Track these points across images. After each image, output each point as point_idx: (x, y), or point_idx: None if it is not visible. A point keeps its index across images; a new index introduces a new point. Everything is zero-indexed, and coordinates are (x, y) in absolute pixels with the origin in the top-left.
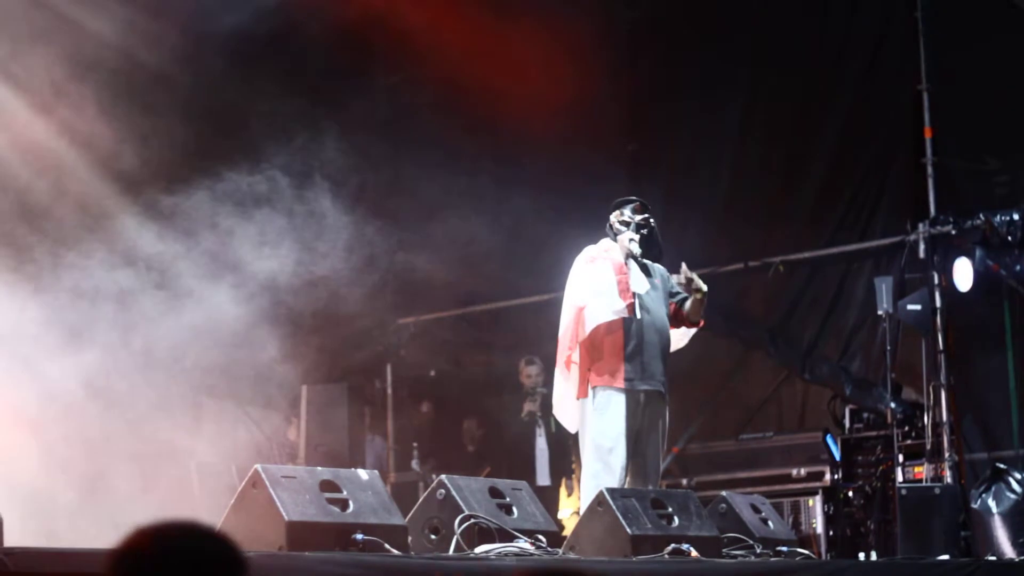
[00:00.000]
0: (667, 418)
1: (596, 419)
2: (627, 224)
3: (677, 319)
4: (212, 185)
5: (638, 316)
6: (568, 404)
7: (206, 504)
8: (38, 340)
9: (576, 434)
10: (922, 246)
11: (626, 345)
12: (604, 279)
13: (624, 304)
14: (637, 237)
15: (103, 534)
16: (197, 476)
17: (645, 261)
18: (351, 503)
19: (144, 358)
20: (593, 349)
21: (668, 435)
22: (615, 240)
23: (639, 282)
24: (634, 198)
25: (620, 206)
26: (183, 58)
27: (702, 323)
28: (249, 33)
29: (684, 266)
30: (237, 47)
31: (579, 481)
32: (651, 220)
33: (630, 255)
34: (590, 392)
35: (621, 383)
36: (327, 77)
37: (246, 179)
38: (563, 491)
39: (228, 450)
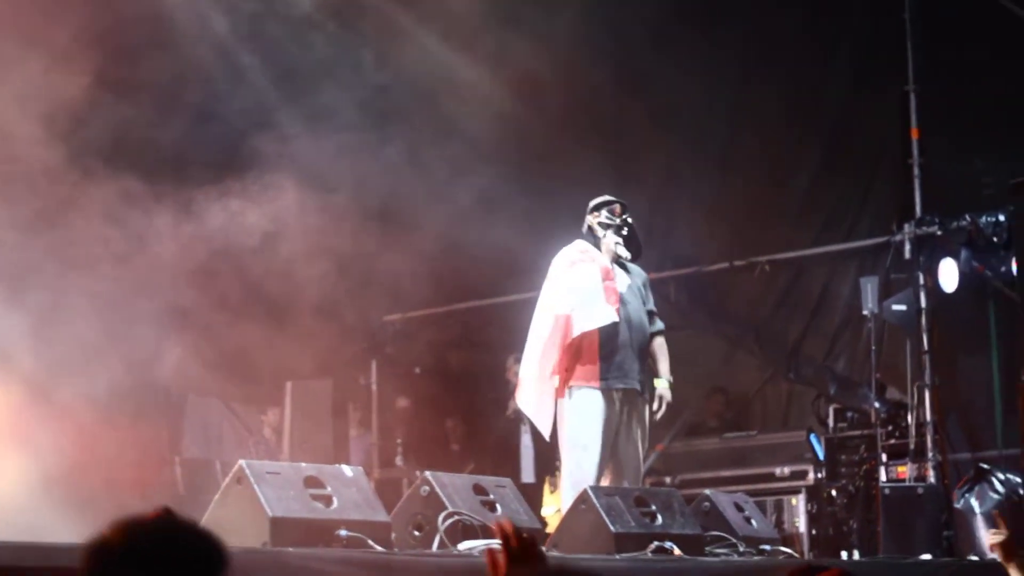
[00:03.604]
0: (647, 416)
1: (572, 418)
2: (608, 226)
3: None
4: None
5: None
6: (546, 408)
7: (190, 500)
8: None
9: (555, 433)
10: (908, 246)
11: (603, 345)
12: (590, 285)
13: (612, 310)
14: (621, 240)
15: (85, 530)
16: (181, 472)
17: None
18: (335, 499)
19: (127, 350)
20: (570, 349)
21: (652, 433)
22: (594, 241)
23: (622, 283)
24: (612, 198)
25: (598, 208)
26: None
27: None
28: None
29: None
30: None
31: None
32: (629, 219)
33: (616, 258)
34: (566, 392)
35: (597, 382)
36: (304, 76)
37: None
38: (547, 488)
39: (212, 446)
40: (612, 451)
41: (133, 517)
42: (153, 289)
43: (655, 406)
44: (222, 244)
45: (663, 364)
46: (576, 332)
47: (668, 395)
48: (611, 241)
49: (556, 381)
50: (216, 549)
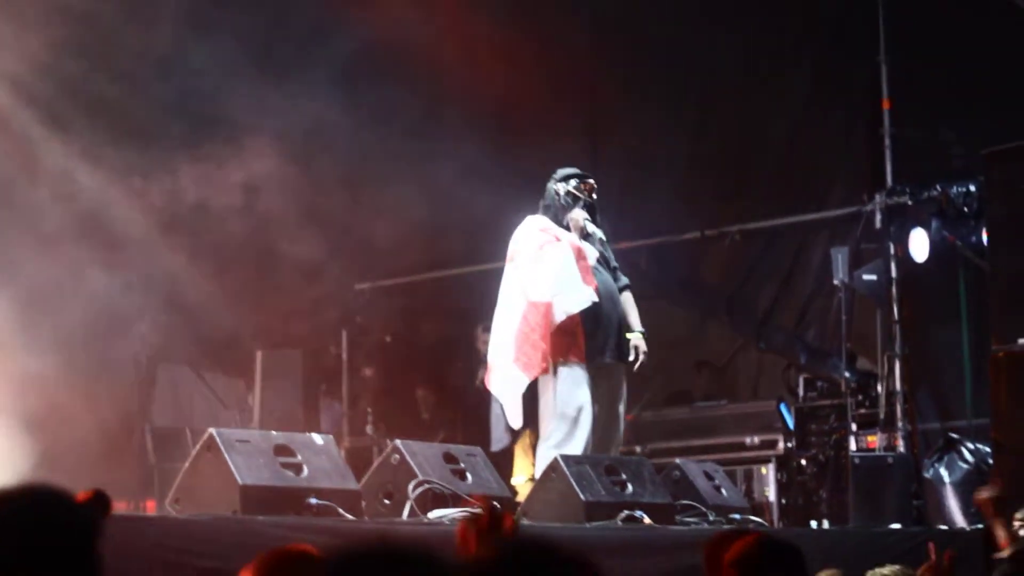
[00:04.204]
0: (624, 386)
1: (561, 391)
2: (577, 198)
3: None
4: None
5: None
6: (516, 397)
7: (160, 468)
8: None
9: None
10: (878, 216)
11: (585, 323)
12: (565, 268)
13: (591, 290)
14: (589, 217)
15: None
16: (151, 439)
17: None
18: (305, 468)
19: (96, 321)
20: (554, 334)
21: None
22: (554, 213)
23: (591, 257)
24: (584, 173)
25: (568, 178)
26: None
27: None
28: None
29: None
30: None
31: (533, 447)
32: (595, 197)
33: (584, 233)
34: (551, 369)
35: (583, 359)
36: (284, 38)
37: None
38: (519, 455)
39: (183, 414)
40: (596, 424)
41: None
42: (122, 257)
43: (631, 357)
44: (191, 214)
45: (633, 317)
46: (560, 318)
47: (643, 345)
48: (580, 216)
49: (537, 372)
50: (85, 517)
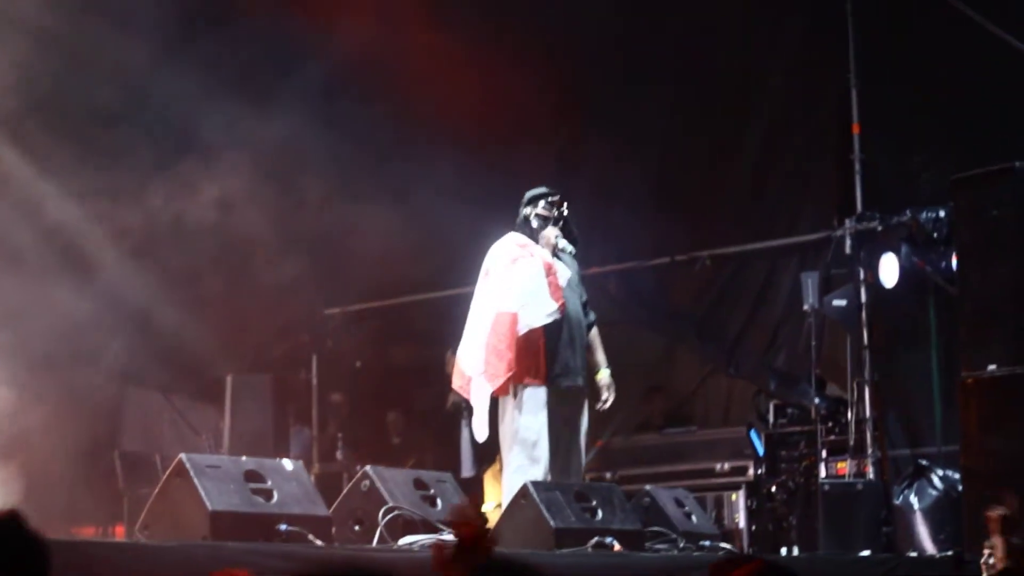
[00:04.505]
0: (587, 412)
1: (520, 415)
2: (546, 218)
3: None
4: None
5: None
6: (482, 408)
7: (129, 493)
8: None
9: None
10: (848, 242)
11: (548, 342)
12: (534, 281)
13: (557, 306)
14: (561, 233)
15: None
16: (120, 465)
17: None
18: (275, 493)
19: (64, 345)
20: (516, 347)
21: (591, 428)
22: (530, 233)
23: (563, 277)
24: (548, 190)
25: (535, 200)
26: None
27: None
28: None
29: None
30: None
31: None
32: (566, 211)
33: (556, 251)
34: (511, 389)
35: (544, 381)
36: (253, 63)
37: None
38: (489, 481)
39: (152, 439)
40: (557, 449)
41: None
42: (90, 281)
43: (604, 395)
44: (160, 237)
45: (601, 355)
46: (523, 330)
47: (611, 388)
48: (552, 234)
49: (502, 381)
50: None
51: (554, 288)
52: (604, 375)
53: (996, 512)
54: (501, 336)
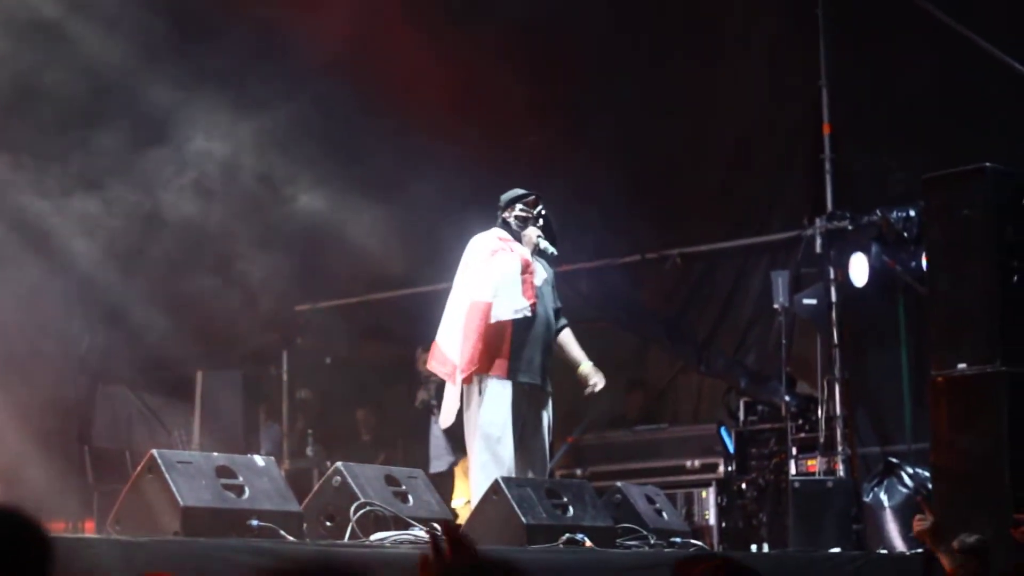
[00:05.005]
0: (551, 409)
1: (483, 409)
2: (525, 219)
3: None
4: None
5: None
6: (452, 396)
7: (100, 489)
8: None
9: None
10: (819, 241)
11: (514, 338)
12: (509, 275)
13: (528, 304)
14: (542, 234)
15: None
16: (90, 461)
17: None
18: (247, 489)
19: (34, 342)
20: (483, 337)
21: (562, 425)
22: (513, 235)
23: (539, 277)
24: (524, 191)
25: (512, 203)
26: None
27: None
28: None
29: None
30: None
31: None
32: (544, 211)
33: (537, 250)
34: (474, 380)
35: (506, 374)
36: (227, 58)
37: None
38: (459, 477)
39: (122, 435)
40: (519, 444)
41: None
42: (61, 277)
43: (593, 380)
44: (131, 233)
45: (578, 351)
46: (493, 319)
47: (597, 376)
48: (533, 233)
49: (471, 369)
50: (34, 534)
51: (528, 286)
52: (586, 365)
53: (921, 527)
54: (472, 324)
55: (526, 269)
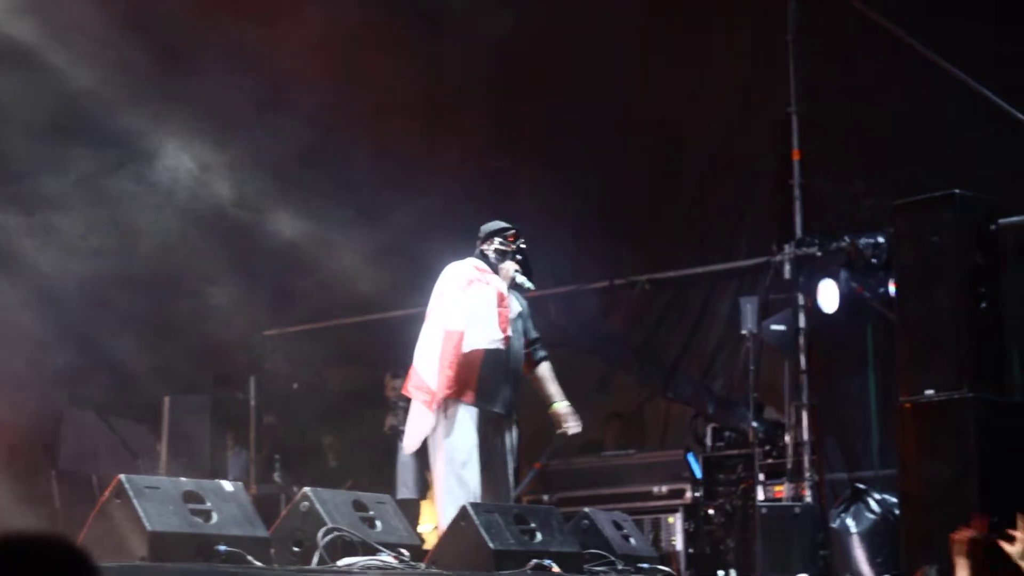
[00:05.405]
0: (515, 435)
1: (450, 433)
2: (504, 253)
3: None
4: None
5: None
6: (420, 424)
7: (66, 514)
8: None
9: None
10: (787, 267)
11: (483, 367)
12: (484, 307)
13: (502, 336)
14: (520, 269)
15: None
16: (57, 485)
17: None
18: (215, 514)
19: (5, 361)
20: (454, 366)
21: (529, 450)
22: (490, 267)
23: (513, 311)
24: (506, 225)
25: (491, 235)
26: None
27: None
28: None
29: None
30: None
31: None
32: (523, 245)
33: (513, 284)
34: (443, 404)
35: (472, 401)
36: (204, 83)
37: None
38: (426, 502)
39: (88, 460)
40: (484, 469)
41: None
42: (25, 299)
43: (569, 422)
44: (99, 254)
45: (555, 387)
46: (466, 348)
47: (574, 421)
48: (511, 268)
49: (441, 396)
50: (83, 563)
51: (503, 319)
52: (562, 405)
53: (965, 534)
54: (446, 353)
55: (501, 302)
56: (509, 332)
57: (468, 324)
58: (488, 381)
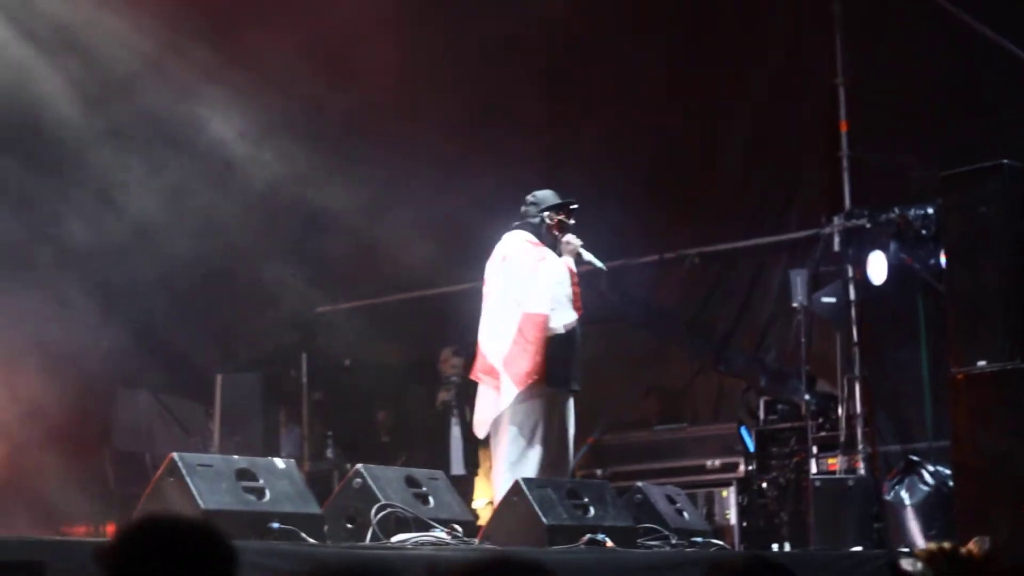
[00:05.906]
0: (573, 417)
1: (520, 415)
2: (567, 228)
3: None
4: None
5: None
6: (489, 409)
7: (120, 493)
8: None
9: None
10: (837, 239)
11: (561, 348)
12: (561, 287)
13: (576, 317)
14: (580, 241)
15: (19, 522)
16: (110, 465)
17: None
18: (267, 492)
19: (56, 343)
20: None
21: (583, 425)
22: (543, 238)
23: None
24: (566, 199)
25: (554, 207)
26: None
27: None
28: None
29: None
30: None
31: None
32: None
33: (580, 260)
34: (512, 388)
35: (549, 384)
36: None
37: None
38: (479, 478)
39: (142, 439)
40: (548, 448)
41: (140, 519)
42: (78, 280)
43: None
44: (150, 237)
45: None
46: (550, 331)
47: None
48: (576, 243)
49: (528, 383)
50: (222, 545)
51: (576, 297)
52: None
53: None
54: (529, 337)
55: (574, 279)
56: (581, 311)
57: (551, 308)
58: (566, 363)
